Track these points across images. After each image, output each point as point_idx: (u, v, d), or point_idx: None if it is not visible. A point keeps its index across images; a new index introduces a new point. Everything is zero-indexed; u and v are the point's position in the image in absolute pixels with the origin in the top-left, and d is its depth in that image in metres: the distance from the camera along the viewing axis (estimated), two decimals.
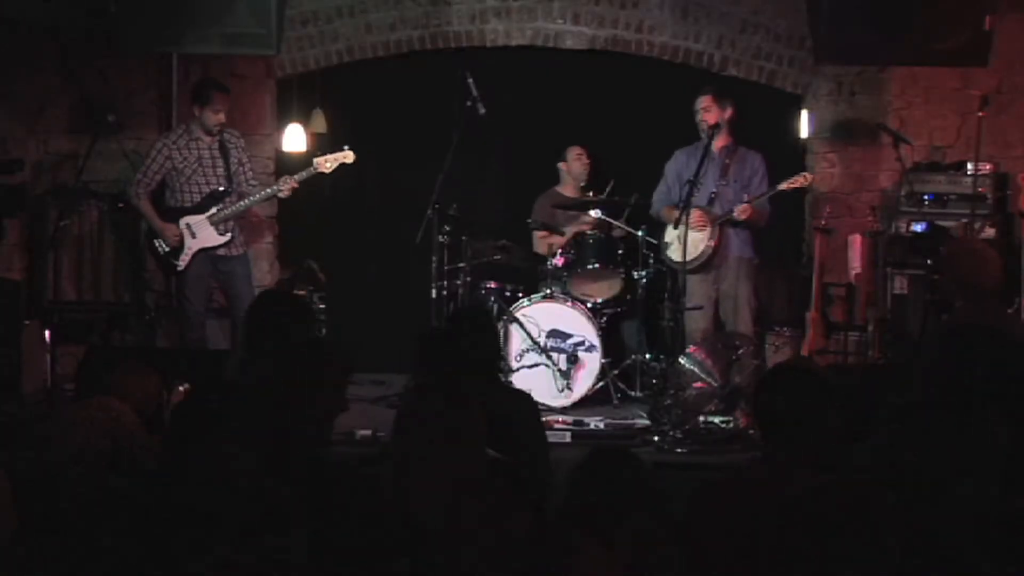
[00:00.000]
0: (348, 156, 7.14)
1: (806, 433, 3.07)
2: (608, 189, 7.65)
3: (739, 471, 3.49)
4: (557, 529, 2.96)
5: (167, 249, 7.05)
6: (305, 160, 7.33)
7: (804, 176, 7.06)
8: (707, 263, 6.95)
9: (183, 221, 7.05)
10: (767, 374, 3.75)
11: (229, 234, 7.10)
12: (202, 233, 7.05)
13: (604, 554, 2.82)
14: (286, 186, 7.05)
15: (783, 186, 6.93)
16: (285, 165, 7.88)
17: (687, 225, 6.63)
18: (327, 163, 7.10)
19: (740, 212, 6.88)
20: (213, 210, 7.06)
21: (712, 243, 6.91)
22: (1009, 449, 2.92)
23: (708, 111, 6.94)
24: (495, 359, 4.59)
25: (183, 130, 7.16)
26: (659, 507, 2.95)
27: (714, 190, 6.99)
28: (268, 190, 7.15)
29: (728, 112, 6.98)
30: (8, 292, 6.91)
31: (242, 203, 7.12)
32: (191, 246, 7.04)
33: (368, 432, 5.97)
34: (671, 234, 7.04)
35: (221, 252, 7.11)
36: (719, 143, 6.98)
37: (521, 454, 3.85)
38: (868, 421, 3.57)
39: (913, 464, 2.89)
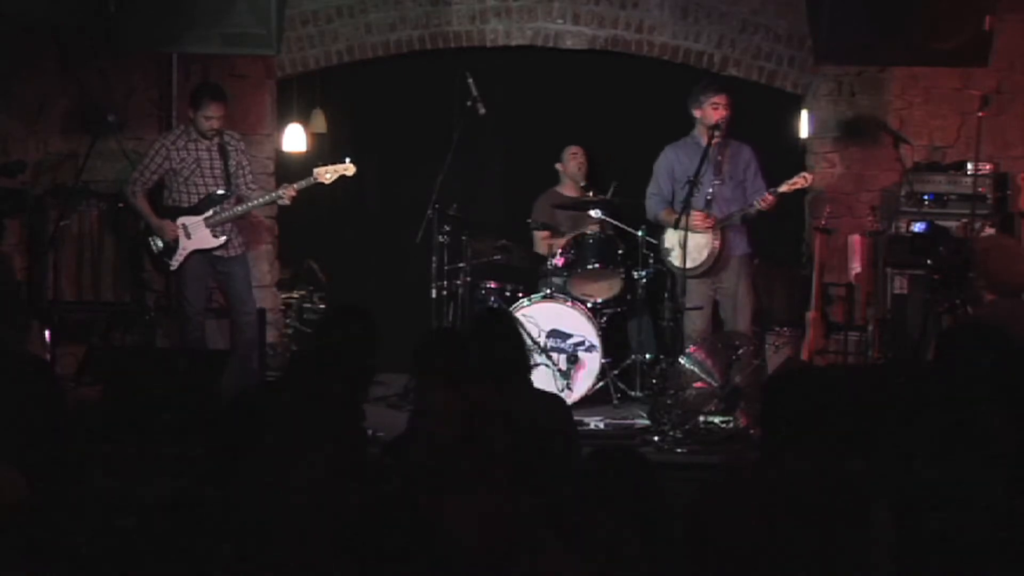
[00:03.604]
0: (349, 168, 7.09)
1: (812, 435, 3.06)
2: (611, 190, 7.64)
3: (738, 472, 3.48)
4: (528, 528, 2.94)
5: (160, 247, 7.02)
6: (305, 160, 7.30)
7: (804, 177, 6.91)
8: (711, 267, 6.90)
9: (180, 221, 7.01)
10: (774, 376, 3.75)
11: (225, 236, 7.08)
12: (198, 234, 7.02)
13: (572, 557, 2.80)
14: (286, 193, 7.01)
15: (783, 188, 6.80)
16: (285, 165, 7.88)
17: (687, 228, 6.61)
18: (327, 174, 7.05)
19: (764, 202, 6.73)
20: (210, 212, 7.03)
21: (716, 244, 6.86)
22: (1014, 449, 2.92)
23: (727, 108, 6.84)
24: (522, 360, 4.56)
25: (182, 130, 7.13)
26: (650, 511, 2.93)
27: (710, 191, 6.90)
28: (268, 196, 7.12)
29: None
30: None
31: (240, 207, 7.09)
32: (185, 246, 7.01)
33: (368, 432, 5.95)
34: (671, 239, 6.96)
35: (219, 253, 7.08)
36: (712, 140, 6.91)
37: (548, 457, 3.82)
38: (872, 422, 3.56)
39: (918, 465, 2.90)
